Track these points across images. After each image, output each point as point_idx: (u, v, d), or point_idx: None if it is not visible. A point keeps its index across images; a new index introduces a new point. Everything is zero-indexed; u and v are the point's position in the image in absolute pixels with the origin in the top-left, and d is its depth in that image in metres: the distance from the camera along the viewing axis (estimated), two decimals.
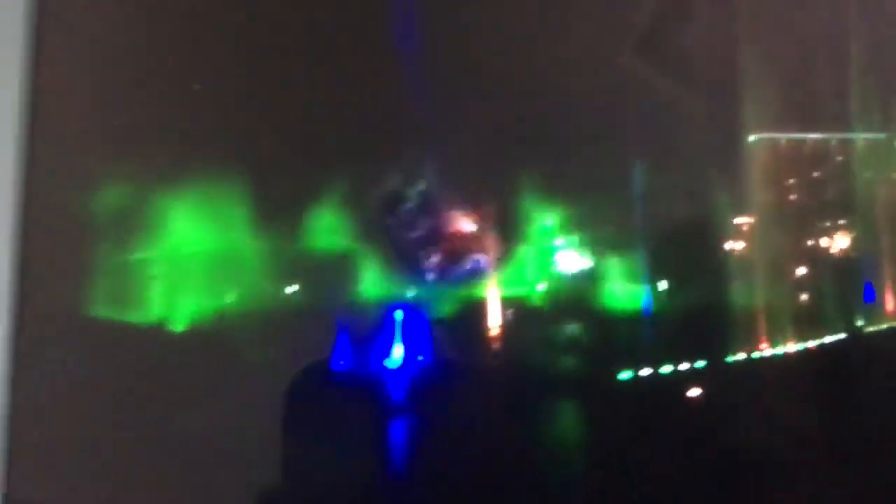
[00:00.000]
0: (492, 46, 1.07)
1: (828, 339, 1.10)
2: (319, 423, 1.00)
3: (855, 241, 1.13)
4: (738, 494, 1.00)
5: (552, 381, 1.04)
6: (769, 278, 1.10)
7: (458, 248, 1.09)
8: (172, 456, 0.98)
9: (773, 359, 1.07)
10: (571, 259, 1.10)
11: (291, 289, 1.07)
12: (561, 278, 1.10)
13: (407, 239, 1.08)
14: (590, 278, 1.09)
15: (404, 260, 1.08)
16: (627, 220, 1.09)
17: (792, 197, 1.16)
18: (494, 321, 1.07)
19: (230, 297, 1.06)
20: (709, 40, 1.11)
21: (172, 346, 1.03)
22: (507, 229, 1.10)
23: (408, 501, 1.00)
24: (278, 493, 0.97)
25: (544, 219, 1.10)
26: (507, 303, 1.07)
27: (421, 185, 1.08)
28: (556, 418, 1.03)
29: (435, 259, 1.09)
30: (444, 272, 1.09)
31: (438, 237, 1.09)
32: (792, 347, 1.09)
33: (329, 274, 1.08)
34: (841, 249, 1.14)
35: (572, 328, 1.06)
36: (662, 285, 1.09)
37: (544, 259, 1.10)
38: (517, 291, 1.09)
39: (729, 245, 1.11)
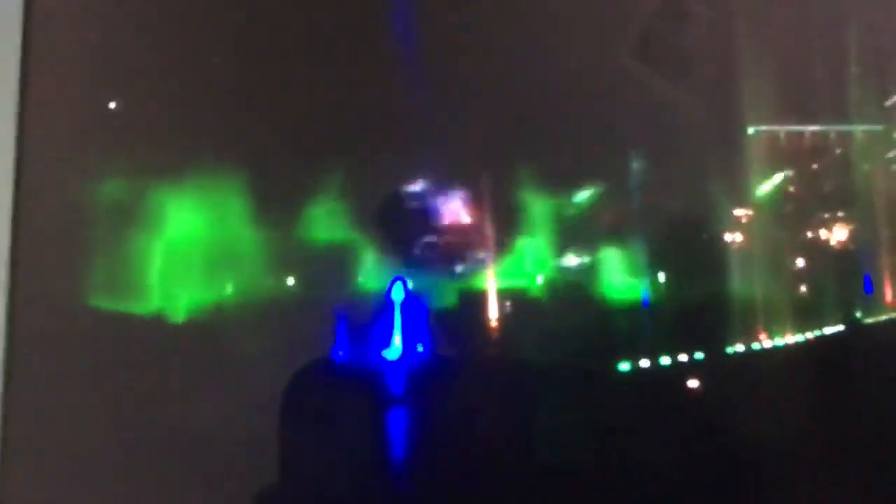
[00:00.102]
0: (491, 39, 1.07)
1: (827, 331, 1.10)
2: (319, 414, 1.00)
3: (854, 233, 1.13)
4: (738, 485, 1.00)
5: (551, 372, 1.04)
6: (768, 270, 1.10)
7: (457, 240, 1.09)
8: (171, 447, 0.97)
9: (773, 350, 1.07)
10: (570, 251, 1.10)
11: (290, 280, 1.07)
12: (560, 270, 1.10)
13: (406, 231, 1.08)
14: (589, 270, 1.09)
15: (403, 251, 1.08)
16: (626, 212, 1.10)
17: (791, 189, 1.17)
18: (494, 313, 1.07)
19: (229, 289, 1.06)
20: (708, 34, 1.11)
21: (170, 337, 1.03)
22: (507, 221, 1.10)
23: (408, 492, 1.00)
24: (277, 484, 0.97)
25: (543, 211, 1.10)
26: (506, 294, 1.07)
27: (420, 178, 1.08)
28: (555, 409, 1.02)
29: (434, 251, 1.09)
30: (443, 264, 1.08)
31: (438, 229, 1.09)
32: (791, 339, 1.09)
33: (328, 265, 1.08)
34: (840, 241, 1.14)
35: (571, 319, 1.06)
36: (661, 277, 1.09)
37: (543, 251, 1.10)
38: (516, 283, 1.09)
39: (728, 237, 1.11)
